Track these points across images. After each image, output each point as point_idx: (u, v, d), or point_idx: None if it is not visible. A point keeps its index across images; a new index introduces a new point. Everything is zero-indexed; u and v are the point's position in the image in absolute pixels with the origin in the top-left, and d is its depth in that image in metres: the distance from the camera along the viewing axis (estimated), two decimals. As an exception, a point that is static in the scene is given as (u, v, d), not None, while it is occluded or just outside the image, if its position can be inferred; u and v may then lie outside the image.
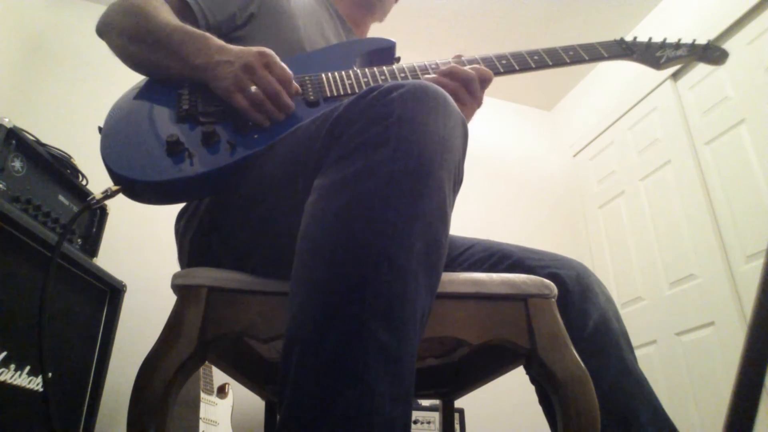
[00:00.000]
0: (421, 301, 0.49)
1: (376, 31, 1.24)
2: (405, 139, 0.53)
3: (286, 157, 0.69)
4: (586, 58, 0.98)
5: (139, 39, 0.85)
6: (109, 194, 0.72)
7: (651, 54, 1.04)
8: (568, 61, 0.97)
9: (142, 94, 0.84)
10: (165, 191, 0.73)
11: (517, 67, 0.94)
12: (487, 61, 0.93)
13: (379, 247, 0.48)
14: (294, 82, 0.81)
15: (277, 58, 0.80)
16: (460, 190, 0.97)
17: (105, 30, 0.90)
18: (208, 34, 0.83)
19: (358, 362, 0.43)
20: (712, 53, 1.05)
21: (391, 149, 0.52)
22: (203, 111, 0.79)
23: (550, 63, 0.96)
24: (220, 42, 0.82)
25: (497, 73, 0.92)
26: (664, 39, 1.06)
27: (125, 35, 0.86)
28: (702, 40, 1.07)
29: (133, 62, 0.87)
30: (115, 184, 0.73)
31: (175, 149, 0.73)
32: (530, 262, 0.87)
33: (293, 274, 0.53)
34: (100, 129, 0.77)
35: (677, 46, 1.05)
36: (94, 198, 0.73)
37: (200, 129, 0.76)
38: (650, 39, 1.05)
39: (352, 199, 0.51)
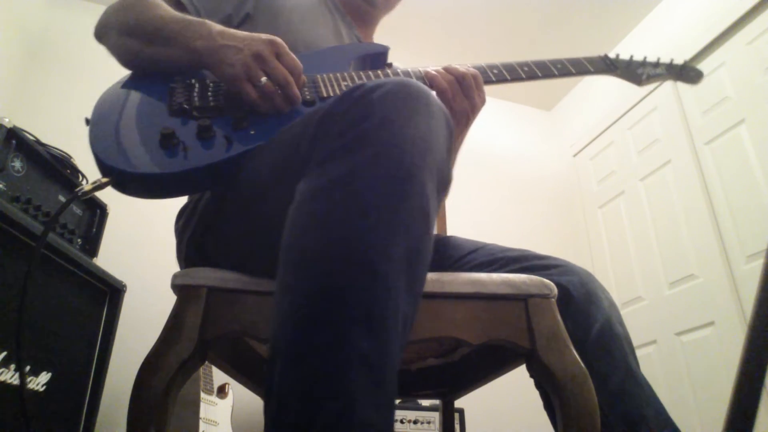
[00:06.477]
0: (403, 306, 0.48)
1: (379, 31, 1.23)
2: (385, 142, 0.52)
3: (278, 156, 0.68)
4: (573, 71, 1.03)
5: (137, 32, 0.83)
6: (98, 185, 0.70)
7: (633, 71, 1.09)
8: (556, 73, 1.01)
9: (131, 87, 0.82)
10: (157, 185, 0.71)
11: (508, 77, 0.97)
12: (479, 70, 0.94)
13: (358, 253, 0.47)
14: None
15: (287, 48, 0.79)
16: (455, 190, 0.96)
17: (103, 32, 0.89)
18: (207, 20, 0.82)
19: (339, 373, 0.43)
20: (688, 73, 1.11)
21: (370, 153, 0.51)
22: (198, 105, 0.78)
23: (540, 74, 1.00)
24: (220, 26, 0.81)
25: (489, 82, 0.95)
26: (644, 57, 1.11)
27: (123, 31, 0.85)
28: (679, 60, 1.13)
29: (132, 59, 0.86)
30: (105, 175, 0.71)
31: (169, 142, 0.71)
32: (532, 271, 0.86)
33: (276, 281, 0.52)
34: (87, 120, 0.75)
35: (656, 64, 1.11)
36: (82, 188, 0.71)
37: (196, 123, 0.74)
38: (632, 57, 1.10)
39: (332, 205, 0.50)
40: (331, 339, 0.44)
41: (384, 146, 0.52)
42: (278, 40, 0.78)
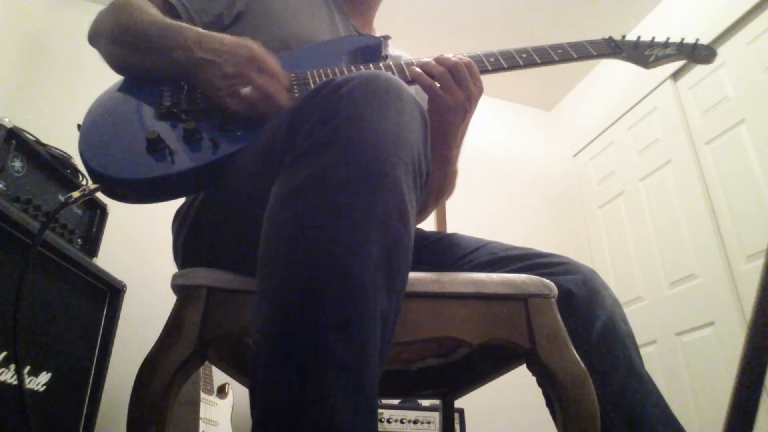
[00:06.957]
0: (382, 307, 0.47)
1: (381, 27, 1.23)
2: (354, 140, 0.51)
3: (257, 157, 0.67)
4: (575, 56, 0.97)
5: (122, 40, 0.83)
6: (86, 193, 0.71)
7: (639, 53, 1.03)
8: (556, 59, 0.96)
9: (123, 91, 0.82)
10: (144, 189, 0.71)
11: (505, 65, 0.93)
12: (475, 58, 0.92)
13: (331, 256, 0.46)
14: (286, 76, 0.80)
15: (268, 61, 0.79)
16: (455, 189, 0.95)
17: (94, 39, 0.89)
18: (184, 26, 0.81)
19: (316, 378, 0.42)
20: (700, 52, 1.05)
21: (339, 152, 0.50)
22: (186, 108, 0.77)
23: (539, 61, 0.95)
24: (195, 33, 0.80)
25: (486, 71, 0.91)
26: (653, 38, 1.05)
27: (110, 39, 0.85)
28: (690, 39, 1.06)
29: (121, 66, 0.86)
30: (94, 182, 0.71)
31: (155, 146, 0.71)
32: (535, 269, 0.85)
33: (255, 287, 0.51)
34: (79, 126, 0.75)
35: (665, 45, 1.05)
36: (71, 196, 0.71)
37: (182, 126, 0.74)
38: (639, 38, 1.05)
39: (303, 207, 0.49)
40: (306, 344, 0.44)
41: (353, 143, 0.50)
42: (257, 55, 0.78)
